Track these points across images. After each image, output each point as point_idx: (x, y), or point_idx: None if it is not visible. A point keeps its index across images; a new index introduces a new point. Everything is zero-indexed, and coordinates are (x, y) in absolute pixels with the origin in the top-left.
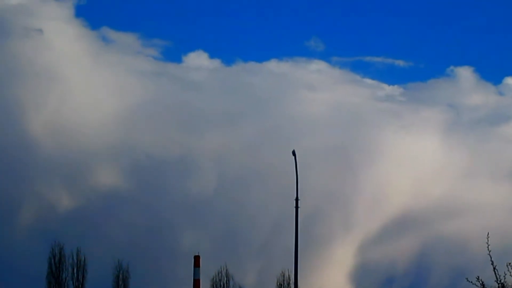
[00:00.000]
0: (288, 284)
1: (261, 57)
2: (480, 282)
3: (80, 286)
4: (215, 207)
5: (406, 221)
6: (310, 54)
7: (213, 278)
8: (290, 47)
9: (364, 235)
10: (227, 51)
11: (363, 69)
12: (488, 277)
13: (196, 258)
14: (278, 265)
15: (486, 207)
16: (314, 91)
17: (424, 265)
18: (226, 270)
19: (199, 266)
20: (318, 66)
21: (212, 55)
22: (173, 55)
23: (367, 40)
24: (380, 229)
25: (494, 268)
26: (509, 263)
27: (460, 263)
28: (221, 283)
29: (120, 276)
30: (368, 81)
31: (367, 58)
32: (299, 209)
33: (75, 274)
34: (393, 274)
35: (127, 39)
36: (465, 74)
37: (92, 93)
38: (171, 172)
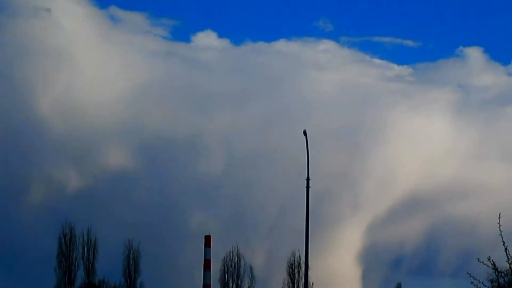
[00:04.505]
0: (299, 264)
1: (270, 37)
2: (491, 262)
3: (90, 265)
4: (224, 187)
5: (415, 202)
6: (319, 34)
7: (224, 258)
8: (299, 27)
9: (372, 216)
10: (236, 31)
11: (372, 49)
12: (497, 258)
13: (207, 238)
14: (287, 246)
15: (495, 187)
16: (323, 71)
17: (433, 246)
18: (238, 250)
19: (210, 246)
20: (326, 46)
21: (220, 35)
22: (182, 34)
23: (376, 20)
24: (388, 210)
25: (506, 249)
26: None
27: (469, 244)
28: (232, 263)
29: (131, 255)
30: (377, 61)
31: (376, 38)
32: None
33: (86, 254)
34: (401, 255)
35: (136, 18)
36: (475, 54)
37: (100, 73)
38: (180, 152)
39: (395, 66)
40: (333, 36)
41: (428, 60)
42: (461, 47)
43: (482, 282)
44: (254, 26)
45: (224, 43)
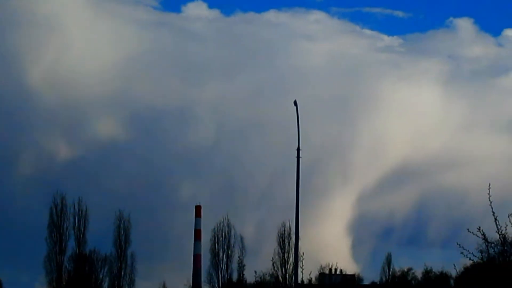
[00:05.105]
0: (289, 234)
1: (260, 8)
2: (482, 232)
3: (81, 235)
4: (214, 158)
5: (405, 172)
6: (309, 5)
7: (214, 229)
8: None
9: (362, 186)
10: (226, 1)
11: (362, 19)
12: (487, 228)
13: (198, 208)
14: (277, 216)
15: (485, 158)
16: (313, 41)
17: (422, 216)
18: (228, 220)
19: (200, 216)
20: (317, 16)
21: (211, 5)
22: (172, 5)
23: None
24: (378, 180)
25: (496, 219)
26: (511, 214)
27: (459, 215)
28: (223, 233)
29: (121, 225)
30: (367, 31)
31: (366, 9)
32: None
33: (77, 224)
34: (391, 226)
35: None
36: (465, 25)
37: (91, 43)
38: (170, 123)
39: (385, 37)
40: (323, 6)
41: (418, 31)
42: (451, 18)
43: (472, 253)
44: None
45: (215, 13)
